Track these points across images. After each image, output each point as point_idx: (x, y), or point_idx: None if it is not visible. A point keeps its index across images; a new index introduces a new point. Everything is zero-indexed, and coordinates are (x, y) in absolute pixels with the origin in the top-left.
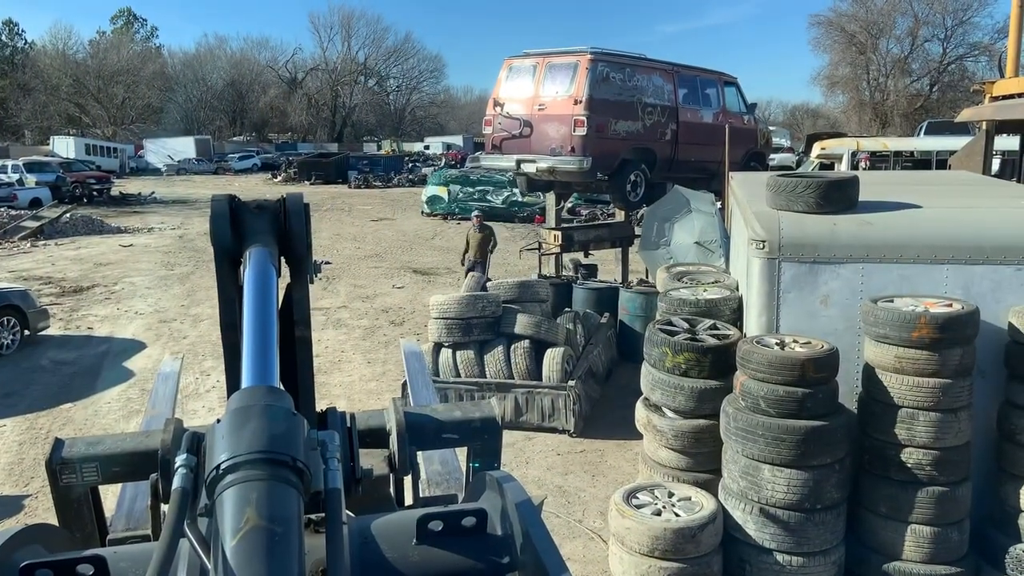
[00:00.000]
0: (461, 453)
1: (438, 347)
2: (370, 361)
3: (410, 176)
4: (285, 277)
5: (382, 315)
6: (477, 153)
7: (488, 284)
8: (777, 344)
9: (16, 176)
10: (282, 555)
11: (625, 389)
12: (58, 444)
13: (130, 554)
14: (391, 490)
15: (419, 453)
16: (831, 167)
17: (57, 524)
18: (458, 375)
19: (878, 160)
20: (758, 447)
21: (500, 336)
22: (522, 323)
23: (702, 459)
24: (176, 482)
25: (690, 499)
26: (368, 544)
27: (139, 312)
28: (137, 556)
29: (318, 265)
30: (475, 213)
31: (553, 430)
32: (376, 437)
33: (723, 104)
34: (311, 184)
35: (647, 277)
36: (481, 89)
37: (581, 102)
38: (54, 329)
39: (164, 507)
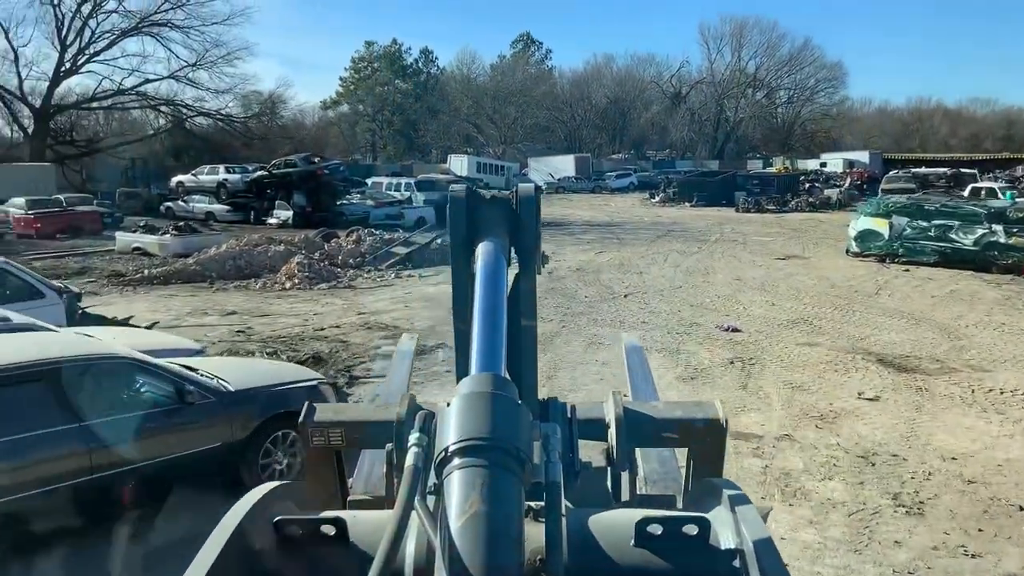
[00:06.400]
0: (680, 454)
1: None
2: None
3: (809, 199)
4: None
5: (872, 477)
6: (894, 172)
7: None
8: None
9: (407, 194)
10: (503, 541)
11: None
12: (310, 409)
13: (366, 520)
14: (608, 484)
15: (637, 450)
16: None
17: (307, 483)
18: None
19: None
20: None
21: None
22: None
23: None
24: (409, 459)
25: None
26: (586, 539)
27: None
28: (372, 522)
29: (546, 256)
30: None
31: None
32: (595, 429)
33: None
34: (692, 206)
35: None
36: (882, 100)
37: None
38: None
39: (397, 476)
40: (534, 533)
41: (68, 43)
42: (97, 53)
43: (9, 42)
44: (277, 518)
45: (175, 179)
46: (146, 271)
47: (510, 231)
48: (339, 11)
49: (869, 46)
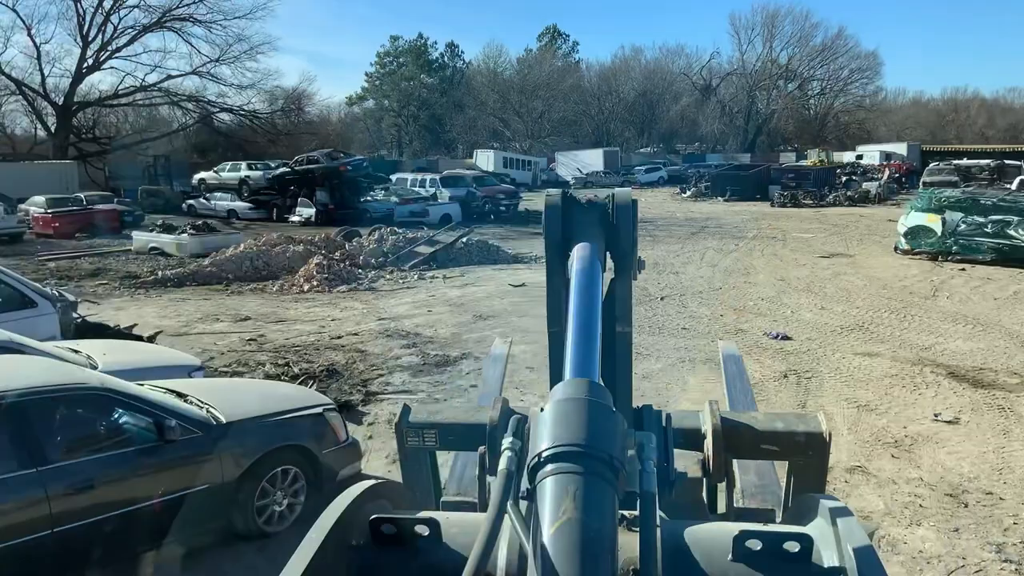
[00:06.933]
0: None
1: None
2: None
3: (847, 193)
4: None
5: (967, 523)
6: (937, 163)
7: None
8: None
9: (432, 190)
10: (596, 550)
11: None
12: (406, 410)
13: (460, 521)
14: (703, 495)
15: (734, 461)
16: None
17: (401, 482)
18: None
19: None
20: None
21: None
22: None
23: None
24: (502, 464)
25: None
26: (681, 551)
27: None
28: (466, 524)
29: (642, 261)
30: None
31: None
32: (690, 439)
33: None
34: (726, 201)
35: None
36: (916, 91)
37: None
38: (391, 444)
39: (489, 478)
40: (628, 543)
41: (90, 39)
42: (119, 49)
43: (31, 38)
44: (373, 516)
45: (197, 176)
46: (160, 273)
47: (606, 235)
48: (364, 6)
49: (903, 35)
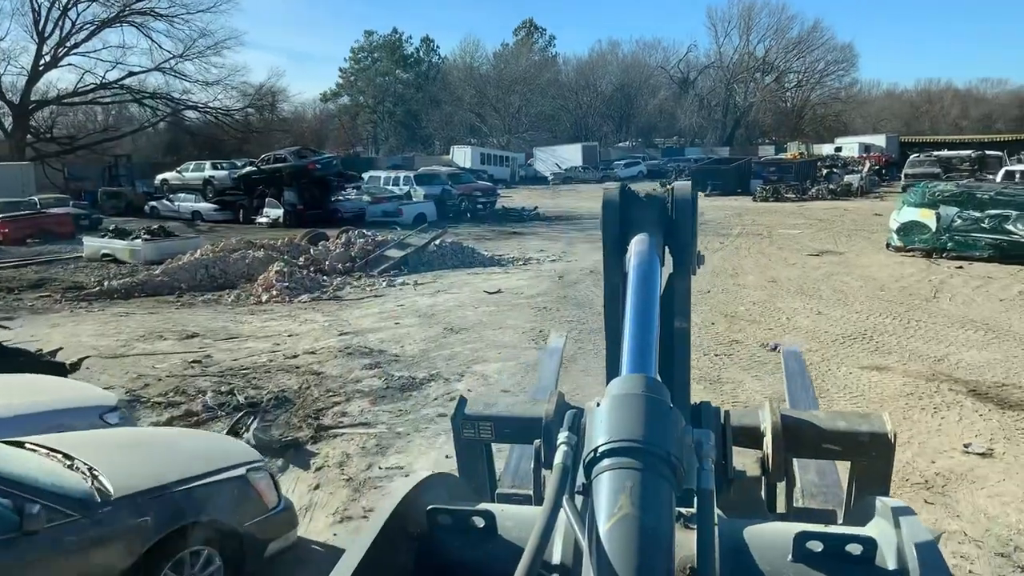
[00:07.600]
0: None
1: None
2: None
3: (830, 186)
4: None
5: None
6: (919, 155)
7: None
8: None
9: (406, 188)
10: (652, 547)
11: None
12: (462, 402)
13: (515, 514)
14: (762, 494)
15: (794, 460)
16: None
17: (457, 474)
18: None
19: None
20: None
21: None
22: None
23: None
24: (557, 458)
25: None
26: (739, 550)
27: None
28: (521, 517)
29: (701, 256)
30: None
31: None
32: (749, 437)
33: None
34: (707, 195)
35: None
36: (890, 83)
37: None
38: (339, 496)
39: (545, 472)
40: (685, 541)
41: (47, 35)
42: (77, 45)
43: None
44: (430, 506)
45: (159, 177)
46: (106, 283)
47: (664, 230)
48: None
49: (877, 28)
